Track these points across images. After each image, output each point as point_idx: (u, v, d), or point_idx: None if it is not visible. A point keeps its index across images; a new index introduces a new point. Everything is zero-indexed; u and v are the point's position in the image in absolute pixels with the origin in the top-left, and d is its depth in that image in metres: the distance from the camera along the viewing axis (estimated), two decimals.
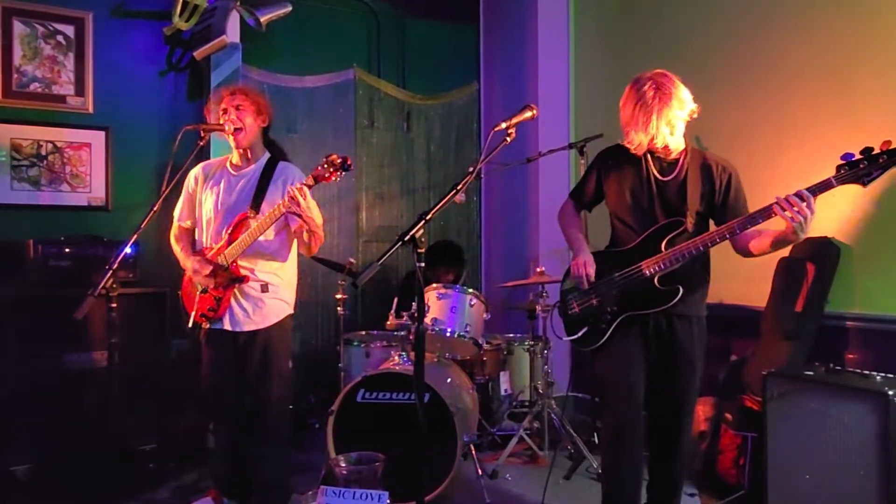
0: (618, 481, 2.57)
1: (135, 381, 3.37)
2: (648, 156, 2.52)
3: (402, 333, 3.62)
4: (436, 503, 3.15)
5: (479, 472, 3.35)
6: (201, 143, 2.78)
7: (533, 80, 5.00)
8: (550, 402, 3.94)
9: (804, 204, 2.12)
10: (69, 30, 4.07)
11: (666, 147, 2.45)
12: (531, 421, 3.99)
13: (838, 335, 3.19)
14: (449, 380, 3.50)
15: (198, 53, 4.18)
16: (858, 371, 2.80)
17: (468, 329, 3.56)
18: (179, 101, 4.37)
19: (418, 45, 5.39)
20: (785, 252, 3.26)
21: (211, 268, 2.78)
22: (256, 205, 2.79)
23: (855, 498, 2.51)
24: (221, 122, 2.82)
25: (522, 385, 4.27)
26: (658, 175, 2.52)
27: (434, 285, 3.67)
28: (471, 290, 3.68)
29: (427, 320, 3.50)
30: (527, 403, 4.19)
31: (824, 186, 2.14)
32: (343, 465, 2.66)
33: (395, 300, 3.62)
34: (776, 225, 2.24)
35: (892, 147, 2.07)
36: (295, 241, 2.90)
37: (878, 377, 2.66)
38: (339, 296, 4.00)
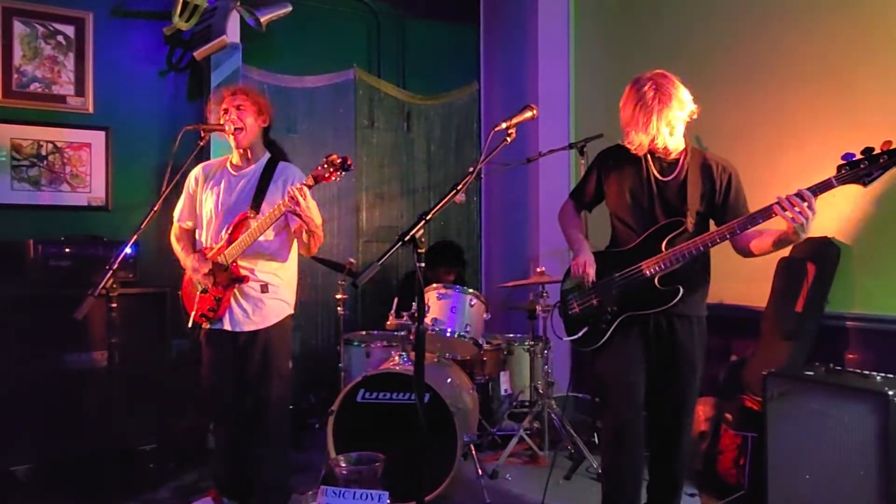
0: (618, 481, 2.57)
1: (135, 381, 3.37)
2: (648, 156, 2.52)
3: (403, 333, 3.62)
4: (436, 503, 3.15)
5: (480, 472, 3.35)
6: (201, 144, 2.79)
7: (533, 80, 5.00)
8: (550, 402, 3.94)
9: (805, 204, 2.12)
10: (69, 30, 4.07)
11: (665, 147, 2.45)
12: (531, 421, 3.99)
13: (838, 335, 3.19)
14: (449, 380, 3.50)
15: (198, 53, 4.18)
16: (858, 371, 2.80)
17: (468, 329, 3.56)
18: (179, 102, 4.37)
19: (418, 46, 5.39)
20: (785, 252, 3.26)
21: (210, 266, 2.78)
22: (256, 205, 2.79)
23: (855, 498, 2.51)
24: (222, 121, 2.83)
25: (522, 385, 4.27)
26: (658, 175, 2.52)
27: (434, 285, 3.67)
28: (471, 291, 3.68)
29: (427, 320, 3.50)
30: (527, 403, 4.19)
31: (825, 186, 2.14)
32: (343, 465, 2.66)
33: (395, 300, 3.62)
34: (777, 225, 2.24)
35: (892, 147, 2.07)
36: (295, 241, 2.90)
37: (878, 377, 2.66)
38: (339, 296, 4.00)
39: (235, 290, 2.81)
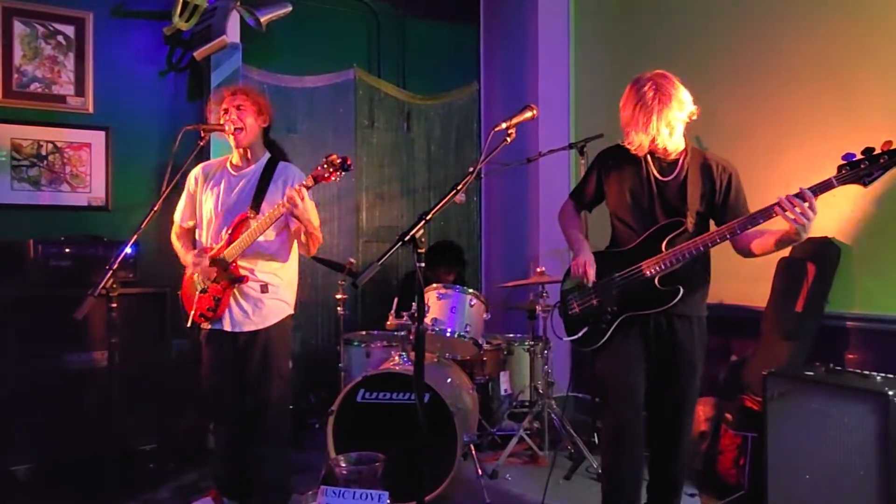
0: (618, 481, 2.57)
1: (135, 381, 3.37)
2: (648, 156, 2.52)
3: (403, 333, 3.62)
4: (436, 503, 3.15)
5: (479, 472, 3.35)
6: (201, 144, 2.79)
7: (533, 80, 5.00)
8: (550, 402, 3.94)
9: (806, 205, 2.12)
10: (69, 30, 4.07)
11: (665, 148, 2.45)
12: (531, 421, 3.99)
13: (838, 335, 3.19)
14: (449, 380, 3.50)
15: (198, 53, 4.18)
16: (858, 371, 2.80)
17: (468, 329, 3.56)
18: (179, 101, 4.36)
19: (418, 45, 5.39)
20: (785, 252, 3.26)
21: (209, 260, 2.77)
22: (256, 205, 2.80)
23: (855, 498, 2.51)
24: (222, 121, 2.83)
25: (522, 385, 4.27)
26: (658, 175, 2.52)
27: (434, 285, 3.67)
28: (471, 291, 3.68)
29: (427, 320, 3.50)
30: (527, 403, 4.19)
31: (825, 187, 2.14)
32: (343, 465, 2.66)
33: (395, 300, 3.62)
34: (777, 224, 2.24)
35: (892, 147, 2.07)
36: (296, 241, 2.90)
37: (879, 377, 2.66)
38: (339, 296, 4.00)
39: (235, 291, 2.81)
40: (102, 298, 2.44)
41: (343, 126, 5.03)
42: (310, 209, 2.71)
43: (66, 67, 4.07)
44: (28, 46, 3.97)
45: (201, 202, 2.94)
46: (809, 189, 2.14)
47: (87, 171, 4.11)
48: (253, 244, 2.73)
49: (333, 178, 2.59)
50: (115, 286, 2.47)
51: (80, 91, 4.09)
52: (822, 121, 3.33)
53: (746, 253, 2.44)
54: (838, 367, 2.87)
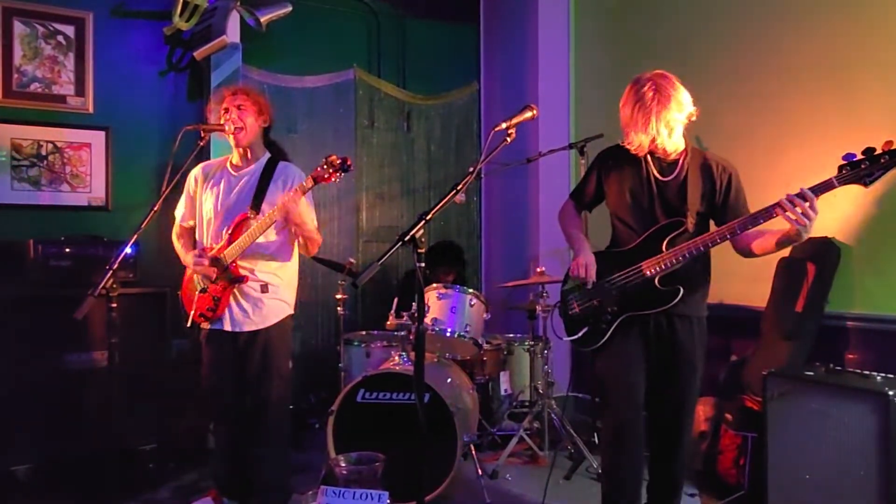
0: (618, 481, 2.57)
1: (135, 381, 3.37)
2: (648, 156, 2.52)
3: (403, 333, 3.62)
4: (436, 503, 3.14)
5: (480, 472, 3.35)
6: (201, 144, 2.79)
7: (533, 80, 4.99)
8: (550, 402, 3.93)
9: (807, 205, 2.12)
10: (69, 30, 4.07)
11: (664, 148, 2.45)
12: (531, 421, 3.99)
13: (838, 335, 3.19)
14: (449, 380, 3.50)
15: (198, 53, 4.18)
16: (859, 371, 2.80)
17: (468, 329, 3.56)
18: (179, 101, 4.36)
19: (418, 45, 5.39)
20: (785, 252, 3.26)
21: (210, 259, 2.77)
22: (256, 205, 2.79)
23: (855, 498, 2.51)
24: (222, 121, 2.82)
25: (522, 385, 4.27)
26: (658, 175, 2.52)
27: (434, 285, 3.67)
28: (471, 291, 3.68)
29: (427, 320, 3.50)
30: (527, 403, 4.19)
31: (826, 187, 2.13)
32: (343, 465, 2.65)
33: (396, 300, 3.62)
34: (778, 224, 2.24)
35: (893, 147, 2.07)
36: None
37: (879, 377, 2.66)
38: (339, 296, 4.00)
39: (235, 291, 2.81)
40: (102, 298, 2.44)
41: (343, 126, 5.03)
42: (305, 213, 2.70)
43: (66, 67, 4.06)
44: (28, 46, 3.97)
45: (201, 202, 2.94)
46: (810, 189, 2.14)
47: (88, 171, 4.11)
48: (253, 244, 2.73)
49: (333, 179, 2.59)
50: (115, 286, 2.47)
51: (80, 91, 4.09)
52: (822, 121, 3.33)
53: (747, 253, 2.44)
54: (838, 367, 2.87)
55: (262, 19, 4.25)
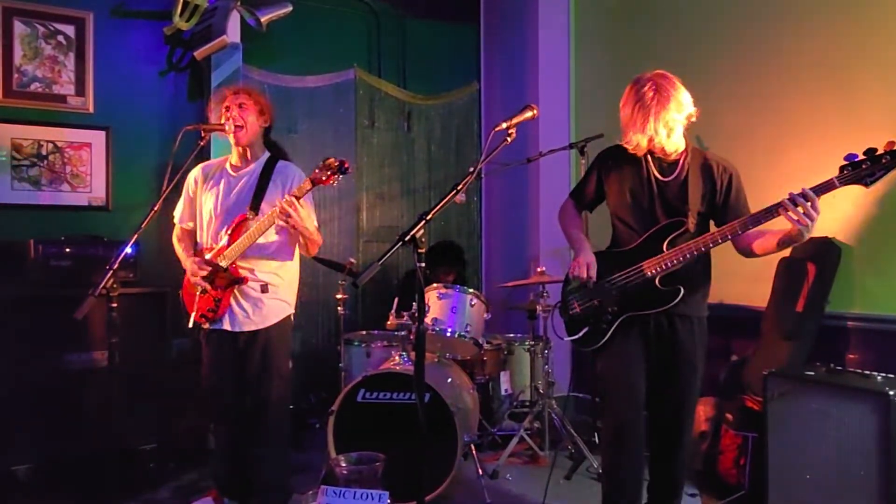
0: (618, 481, 2.57)
1: (135, 381, 3.37)
2: (649, 156, 2.52)
3: (403, 333, 3.62)
4: (436, 503, 3.14)
5: (480, 472, 3.35)
6: (202, 144, 2.78)
7: (533, 80, 4.99)
8: (551, 402, 3.93)
9: (809, 204, 2.12)
10: (70, 30, 4.07)
11: (664, 148, 2.44)
12: (532, 421, 3.99)
13: (839, 335, 3.19)
14: (449, 380, 3.50)
15: (198, 53, 4.18)
16: (859, 371, 2.80)
17: (468, 329, 3.56)
18: (180, 101, 4.37)
19: (419, 46, 5.39)
20: (786, 252, 3.26)
21: (208, 270, 2.78)
22: (256, 205, 2.79)
23: (855, 498, 2.51)
24: (223, 120, 2.82)
25: (523, 385, 4.27)
26: (658, 175, 2.51)
27: (434, 285, 3.67)
28: (471, 291, 3.68)
29: (427, 320, 3.50)
30: (527, 403, 4.19)
31: (827, 187, 2.13)
32: (343, 464, 2.65)
33: (396, 300, 3.62)
34: (779, 224, 2.23)
35: (894, 148, 2.07)
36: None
37: (879, 377, 2.66)
38: (339, 296, 4.00)
39: (235, 291, 2.80)
40: (103, 298, 2.44)
41: (343, 126, 5.03)
42: (305, 216, 2.70)
43: (67, 67, 4.07)
44: (28, 46, 3.97)
45: (201, 203, 2.94)
46: (811, 189, 2.14)
47: (88, 170, 4.11)
48: (253, 244, 2.73)
49: (332, 182, 2.59)
50: (115, 286, 2.47)
51: (80, 91, 4.09)
52: (822, 121, 3.32)
53: (748, 253, 2.43)
54: (839, 367, 2.87)
55: (262, 19, 4.26)
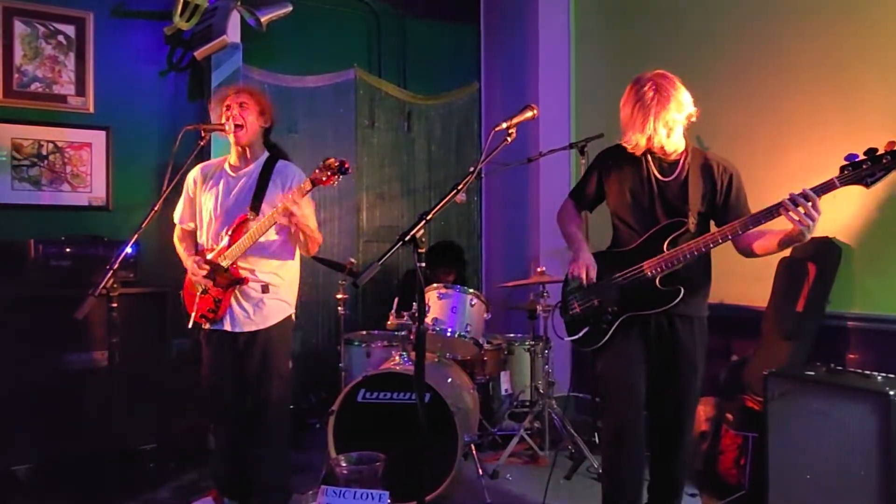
0: (618, 482, 2.56)
1: (135, 381, 3.37)
2: (649, 156, 2.52)
3: (403, 333, 3.62)
4: (436, 503, 3.14)
5: (480, 471, 3.35)
6: (202, 143, 2.78)
7: (533, 79, 4.99)
8: (551, 401, 3.93)
9: (810, 204, 2.12)
10: (70, 30, 4.07)
11: (663, 147, 2.44)
12: (532, 421, 3.99)
13: (839, 335, 3.19)
14: (449, 380, 3.50)
15: (198, 53, 4.18)
16: (859, 371, 2.80)
17: (469, 329, 3.56)
18: (180, 101, 4.37)
19: (419, 45, 5.39)
20: (786, 252, 3.25)
21: (207, 269, 2.77)
22: (256, 206, 2.79)
23: (855, 498, 2.51)
24: (223, 118, 2.82)
25: (523, 385, 4.27)
26: (658, 175, 2.51)
27: (435, 285, 3.67)
28: (471, 291, 3.68)
29: (428, 320, 3.50)
30: (527, 403, 4.19)
31: (827, 187, 2.13)
32: (344, 464, 2.65)
33: (396, 300, 3.62)
34: (780, 224, 2.23)
35: (895, 148, 2.07)
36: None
37: (879, 377, 2.66)
38: (339, 295, 4.00)
39: (236, 292, 2.80)
40: (103, 298, 2.44)
41: (343, 126, 5.04)
42: (308, 214, 2.70)
43: (67, 67, 4.06)
44: (29, 46, 3.97)
45: (201, 203, 2.94)
46: (812, 189, 2.14)
47: (88, 170, 4.11)
48: (254, 243, 2.73)
49: (332, 182, 2.58)
50: (115, 286, 2.47)
51: (80, 91, 4.09)
52: (822, 121, 3.32)
53: (748, 253, 2.43)
54: (839, 367, 2.87)
55: (262, 19, 4.25)
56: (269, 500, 2.91)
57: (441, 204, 2.11)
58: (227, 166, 2.94)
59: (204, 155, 3.63)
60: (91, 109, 4.11)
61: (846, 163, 2.12)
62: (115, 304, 2.51)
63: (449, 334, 3.51)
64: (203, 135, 2.77)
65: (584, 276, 2.53)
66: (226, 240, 2.79)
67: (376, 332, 4.26)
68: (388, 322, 3.56)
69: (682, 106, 2.40)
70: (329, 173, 2.57)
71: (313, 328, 4.88)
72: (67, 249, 3.60)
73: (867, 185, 2.11)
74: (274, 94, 4.55)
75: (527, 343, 4.26)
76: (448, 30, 5.54)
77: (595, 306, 2.57)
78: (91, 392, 3.44)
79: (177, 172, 2.69)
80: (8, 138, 3.90)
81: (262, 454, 2.86)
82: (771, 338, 3.34)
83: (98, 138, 4.12)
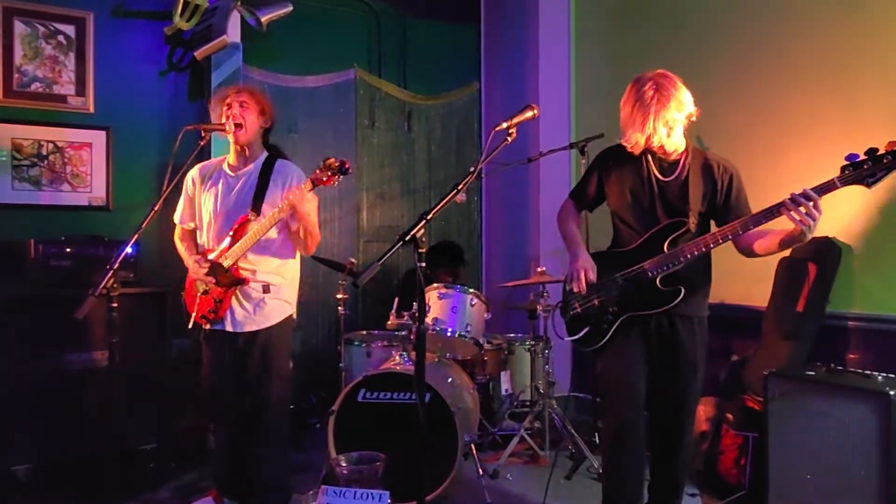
0: (618, 482, 2.56)
1: (135, 381, 3.37)
2: (649, 156, 2.51)
3: (403, 333, 3.62)
4: (436, 503, 3.14)
5: (480, 471, 3.35)
6: (202, 143, 2.78)
7: (534, 79, 4.99)
8: (551, 401, 3.93)
9: (811, 204, 2.12)
10: (70, 30, 4.07)
11: (663, 147, 2.44)
12: (532, 421, 3.99)
13: (839, 335, 3.19)
14: (450, 380, 3.50)
15: (198, 53, 4.18)
16: (859, 371, 2.80)
17: (469, 329, 3.56)
18: (180, 101, 4.36)
19: (419, 45, 5.39)
20: (786, 252, 3.23)
21: (208, 267, 2.77)
22: (257, 206, 2.79)
23: (855, 498, 2.51)
24: (223, 118, 2.81)
25: (523, 385, 4.27)
26: (659, 175, 2.51)
27: (435, 285, 3.67)
28: (472, 290, 3.67)
29: (428, 320, 3.49)
30: (528, 403, 4.19)
31: (828, 187, 2.13)
32: (344, 464, 2.65)
33: (396, 300, 3.62)
34: (780, 224, 2.23)
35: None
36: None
37: (879, 377, 2.66)
38: (339, 295, 4.00)
39: (237, 292, 2.80)
40: (103, 298, 2.44)
41: (343, 126, 5.04)
42: (311, 210, 2.70)
43: (67, 67, 4.06)
44: (29, 46, 3.97)
45: (200, 204, 2.93)
46: (813, 189, 2.13)
47: (88, 170, 4.11)
48: (255, 243, 2.73)
49: (332, 183, 2.58)
50: (115, 286, 2.47)
51: (80, 91, 4.09)
52: (822, 121, 3.32)
53: (749, 253, 2.43)
54: (839, 367, 2.87)
55: (262, 19, 4.25)
56: (269, 500, 2.91)
57: (441, 204, 2.11)
58: (225, 166, 2.94)
59: (204, 155, 3.63)
60: (91, 109, 4.11)
61: (847, 163, 2.12)
62: (115, 304, 2.51)
63: (449, 334, 3.51)
64: (203, 135, 2.77)
65: (582, 288, 2.52)
66: (227, 240, 2.78)
67: (376, 332, 4.26)
68: (389, 322, 3.56)
69: (682, 105, 2.40)
70: (329, 173, 2.57)
71: (313, 328, 4.88)
72: (67, 249, 3.59)
73: (868, 186, 2.10)
74: (274, 94, 4.55)
75: (527, 343, 4.26)
76: (448, 30, 5.54)
77: (596, 306, 2.57)
78: (91, 392, 3.44)
79: (177, 172, 2.69)
80: (8, 138, 3.90)
81: (262, 454, 2.86)
82: (771, 338, 3.34)
83: (98, 138, 4.12)
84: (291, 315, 2.95)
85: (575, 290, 2.55)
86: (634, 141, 2.43)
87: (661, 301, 2.44)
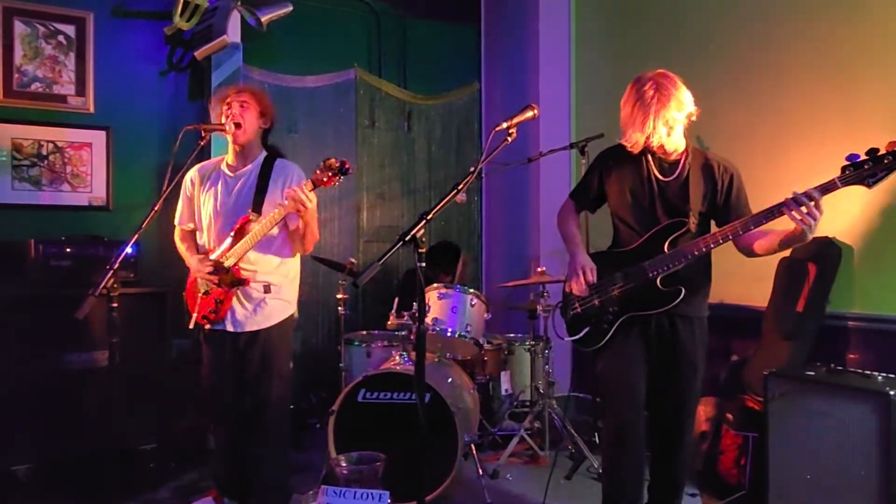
0: (618, 482, 2.56)
1: (135, 381, 3.37)
2: (649, 156, 2.51)
3: (403, 333, 3.62)
4: (437, 503, 3.14)
5: (480, 471, 3.35)
6: (202, 143, 2.77)
7: (534, 79, 4.99)
8: (551, 401, 3.93)
9: (812, 204, 2.12)
10: (70, 30, 4.07)
11: (663, 146, 2.44)
12: (532, 421, 3.99)
13: (839, 335, 3.19)
14: (450, 380, 3.50)
15: (199, 53, 4.18)
16: (859, 371, 2.80)
17: (469, 329, 3.56)
18: (180, 101, 4.36)
19: (419, 45, 5.39)
20: (786, 252, 3.24)
21: (212, 266, 2.77)
22: (257, 206, 2.79)
23: (855, 498, 2.51)
24: (223, 117, 2.81)
25: (523, 385, 4.27)
26: (659, 175, 2.51)
27: (435, 285, 3.67)
28: (472, 290, 3.68)
29: (428, 320, 3.49)
30: (528, 403, 4.19)
31: (829, 187, 2.12)
32: (344, 464, 2.65)
33: (396, 300, 3.62)
34: (781, 224, 2.23)
35: None
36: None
37: (880, 377, 2.66)
38: (339, 295, 4.00)
39: (238, 292, 2.80)
40: (103, 298, 2.43)
41: (344, 126, 5.04)
42: (312, 209, 2.70)
43: (67, 67, 4.06)
44: (29, 46, 3.97)
45: (199, 205, 2.93)
46: (813, 189, 2.13)
47: (88, 170, 4.11)
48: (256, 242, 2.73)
49: (333, 183, 2.58)
50: (115, 286, 2.46)
51: (80, 91, 4.09)
52: (823, 121, 3.32)
53: (749, 253, 2.43)
54: (839, 367, 2.87)
55: (262, 19, 4.26)
56: (269, 500, 2.91)
57: (441, 204, 2.11)
58: (224, 166, 2.93)
59: (204, 155, 3.63)
60: (91, 109, 4.11)
61: (847, 163, 2.12)
62: (115, 304, 2.50)
63: (449, 334, 3.51)
64: (203, 135, 2.77)
65: (583, 290, 2.52)
66: (229, 240, 2.78)
67: (376, 332, 4.26)
68: (389, 322, 3.56)
69: (682, 105, 2.40)
70: (330, 174, 2.57)
71: (313, 328, 4.88)
72: (67, 249, 3.59)
73: (869, 186, 2.10)
74: (274, 94, 4.53)
75: (527, 343, 4.26)
76: (448, 30, 5.54)
77: (596, 306, 2.57)
78: (91, 392, 3.44)
79: (177, 172, 2.69)
80: (8, 138, 3.90)
81: (262, 454, 2.86)
82: (771, 338, 3.34)
83: (98, 138, 4.12)
84: (293, 314, 2.94)
85: (575, 290, 2.56)
86: (634, 140, 2.43)
87: (661, 301, 2.44)
